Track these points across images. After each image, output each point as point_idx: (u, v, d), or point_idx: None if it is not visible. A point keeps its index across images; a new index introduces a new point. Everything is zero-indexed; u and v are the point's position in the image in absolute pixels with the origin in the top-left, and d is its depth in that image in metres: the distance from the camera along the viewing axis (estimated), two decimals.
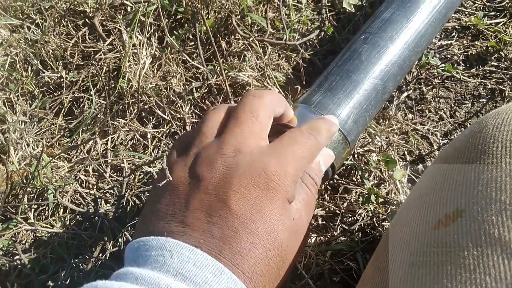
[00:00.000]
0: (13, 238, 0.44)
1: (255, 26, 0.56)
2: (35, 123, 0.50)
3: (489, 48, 0.54)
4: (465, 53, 0.54)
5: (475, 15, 0.56)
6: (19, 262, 0.43)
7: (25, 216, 0.45)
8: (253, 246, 0.27)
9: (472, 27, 0.56)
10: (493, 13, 0.56)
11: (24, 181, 0.44)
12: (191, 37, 0.55)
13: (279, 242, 0.28)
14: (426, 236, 0.26)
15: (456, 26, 0.56)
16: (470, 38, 0.55)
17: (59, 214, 0.45)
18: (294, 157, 0.30)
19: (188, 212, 0.27)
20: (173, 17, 0.56)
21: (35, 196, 0.46)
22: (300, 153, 0.31)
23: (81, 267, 0.43)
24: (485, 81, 0.52)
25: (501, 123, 0.26)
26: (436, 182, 0.29)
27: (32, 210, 0.45)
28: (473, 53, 0.54)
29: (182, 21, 0.56)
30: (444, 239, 0.24)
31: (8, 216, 0.45)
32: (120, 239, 0.43)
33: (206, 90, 0.52)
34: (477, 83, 0.52)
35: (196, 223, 0.27)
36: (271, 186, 0.28)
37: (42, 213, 0.46)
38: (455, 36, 0.55)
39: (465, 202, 0.24)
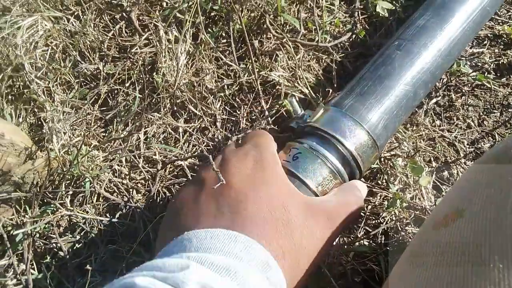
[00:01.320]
0: (51, 222, 0.46)
1: (287, 26, 0.57)
2: (73, 113, 0.52)
3: None
4: (496, 62, 0.54)
5: (508, 24, 0.56)
6: (54, 245, 0.45)
7: (62, 202, 0.47)
8: (258, 210, 0.32)
9: (505, 36, 0.55)
10: None
11: (63, 169, 0.46)
12: (223, 34, 0.56)
13: (281, 203, 0.33)
14: (426, 235, 0.28)
15: (489, 34, 0.56)
16: (502, 46, 0.55)
17: (93, 202, 0.47)
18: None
19: (200, 206, 0.33)
20: (207, 14, 0.57)
21: (71, 183, 0.48)
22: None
23: (113, 253, 0.45)
24: None
25: None
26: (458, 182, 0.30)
27: (69, 196, 0.47)
28: (504, 62, 0.54)
29: (216, 18, 0.57)
30: (446, 238, 0.25)
31: (46, 201, 0.47)
32: (150, 228, 0.45)
33: (237, 88, 0.53)
34: (507, 92, 0.52)
35: (207, 212, 0.32)
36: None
37: (77, 200, 0.48)
38: (487, 44, 0.55)
39: (468, 201, 0.26)
